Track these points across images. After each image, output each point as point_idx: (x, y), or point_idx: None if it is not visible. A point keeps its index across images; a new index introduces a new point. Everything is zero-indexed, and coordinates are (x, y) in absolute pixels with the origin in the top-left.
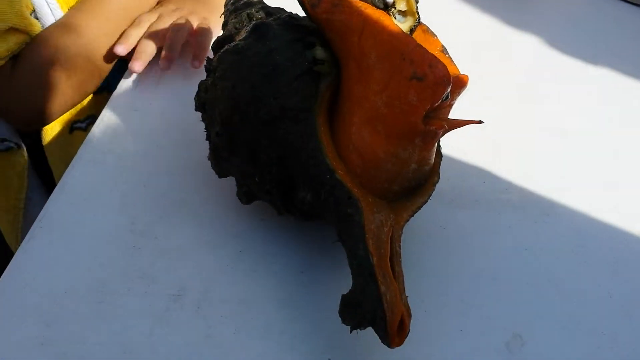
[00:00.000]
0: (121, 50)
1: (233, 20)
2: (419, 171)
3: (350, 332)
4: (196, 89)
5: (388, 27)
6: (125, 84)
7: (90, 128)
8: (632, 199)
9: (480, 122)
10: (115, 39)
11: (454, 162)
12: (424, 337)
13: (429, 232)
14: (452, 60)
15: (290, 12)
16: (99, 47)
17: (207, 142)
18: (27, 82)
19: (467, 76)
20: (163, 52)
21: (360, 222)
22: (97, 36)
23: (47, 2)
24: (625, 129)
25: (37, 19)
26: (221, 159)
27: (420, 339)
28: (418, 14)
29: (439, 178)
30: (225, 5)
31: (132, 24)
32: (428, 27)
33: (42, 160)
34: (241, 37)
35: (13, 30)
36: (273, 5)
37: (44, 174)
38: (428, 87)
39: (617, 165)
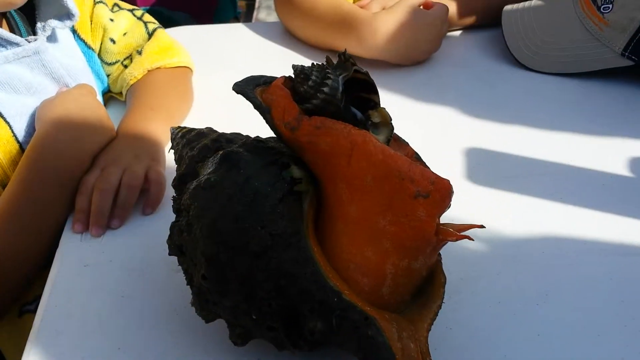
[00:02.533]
0: (80, 228)
1: (190, 154)
2: (426, 276)
3: None
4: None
5: (378, 147)
6: (66, 240)
7: None
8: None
9: (482, 226)
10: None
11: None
12: None
13: (436, 335)
14: (426, 165)
15: (257, 136)
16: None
17: (188, 287)
18: None
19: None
20: (116, 211)
21: (385, 344)
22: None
23: None
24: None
25: None
26: (209, 302)
27: None
28: (391, 124)
29: (445, 278)
30: (173, 139)
31: (79, 190)
32: (398, 135)
33: None
34: (209, 170)
35: None
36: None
37: None
38: (436, 202)
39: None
